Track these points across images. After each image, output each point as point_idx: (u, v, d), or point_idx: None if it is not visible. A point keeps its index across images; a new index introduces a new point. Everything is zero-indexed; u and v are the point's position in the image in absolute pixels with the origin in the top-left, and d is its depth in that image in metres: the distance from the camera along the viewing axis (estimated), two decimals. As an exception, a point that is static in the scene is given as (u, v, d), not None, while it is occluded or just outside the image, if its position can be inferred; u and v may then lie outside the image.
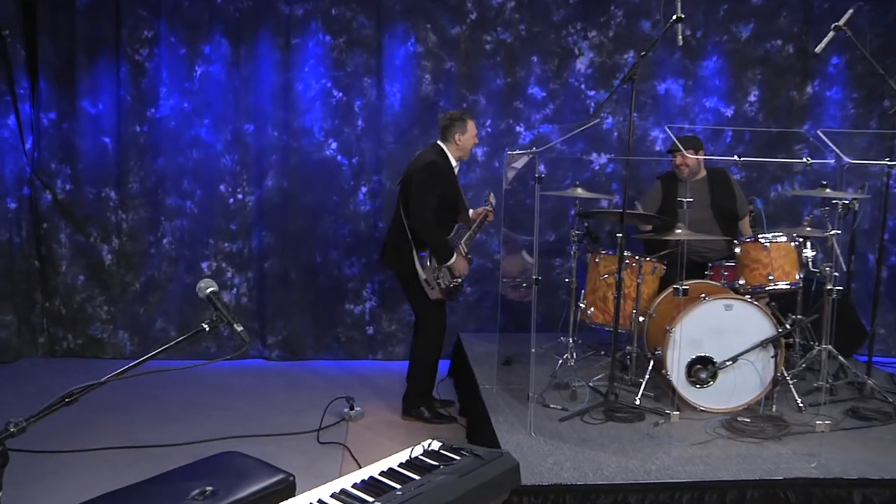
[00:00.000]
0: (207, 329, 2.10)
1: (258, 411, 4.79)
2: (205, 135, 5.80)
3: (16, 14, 5.53)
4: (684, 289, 3.68)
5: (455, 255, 4.43)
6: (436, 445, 2.27)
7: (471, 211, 4.70)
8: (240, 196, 5.89)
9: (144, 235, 5.86)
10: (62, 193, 5.80)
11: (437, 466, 2.11)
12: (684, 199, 3.72)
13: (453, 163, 4.48)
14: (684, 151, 4.16)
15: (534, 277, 3.53)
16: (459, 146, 4.44)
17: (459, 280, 4.52)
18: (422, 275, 4.36)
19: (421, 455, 2.21)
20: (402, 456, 2.20)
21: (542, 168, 5.87)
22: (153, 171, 5.80)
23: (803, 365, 4.39)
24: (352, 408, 4.65)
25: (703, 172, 4.98)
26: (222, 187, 5.86)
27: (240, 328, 2.11)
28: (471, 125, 4.46)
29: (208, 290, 2.19)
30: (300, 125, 5.80)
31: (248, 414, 4.72)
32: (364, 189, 5.91)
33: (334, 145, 5.85)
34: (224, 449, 3.55)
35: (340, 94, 5.80)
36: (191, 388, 5.19)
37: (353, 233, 5.95)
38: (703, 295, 3.94)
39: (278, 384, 5.40)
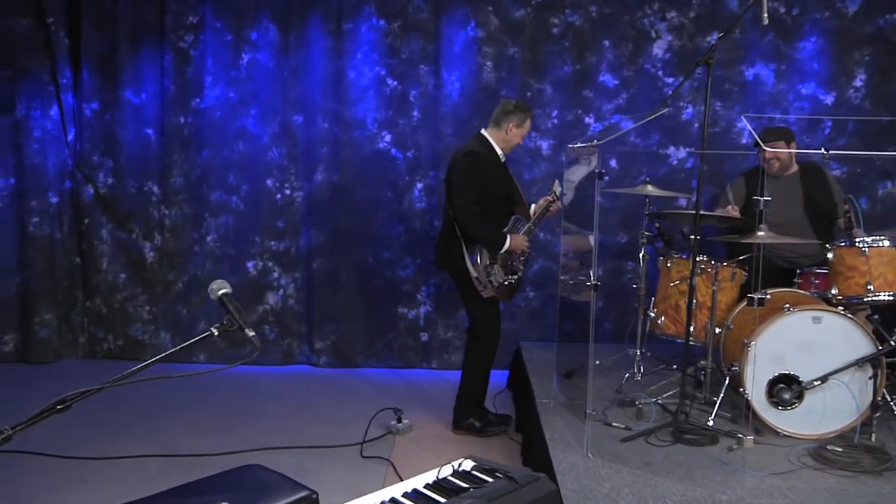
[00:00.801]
0: (217, 333, 2.12)
1: (301, 421, 4.82)
2: (251, 126, 5.87)
3: (60, 1, 5.73)
4: (760, 298, 3.50)
5: (509, 239, 4.38)
6: (467, 465, 2.21)
7: (532, 206, 4.62)
8: (287, 191, 5.94)
9: (188, 232, 5.98)
10: (104, 187, 5.98)
11: (466, 489, 2.06)
12: (760, 199, 3.53)
13: (499, 152, 4.45)
14: (763, 144, 3.96)
15: (593, 283, 3.40)
16: (507, 137, 4.42)
17: (515, 277, 4.47)
18: (472, 272, 4.32)
19: (450, 475, 2.16)
20: (430, 476, 2.15)
21: (612, 163, 5.75)
22: (197, 164, 5.91)
23: (911, 388, 4.15)
24: (399, 420, 4.63)
25: (795, 167, 4.79)
26: (269, 182, 5.92)
27: (251, 333, 2.13)
28: (528, 122, 4.46)
29: (220, 292, 2.20)
30: (352, 116, 5.82)
31: (291, 423, 4.76)
32: (420, 185, 5.89)
33: (388, 137, 5.85)
34: (261, 460, 3.60)
35: (395, 82, 5.80)
36: (233, 395, 5.27)
37: (407, 231, 5.94)
38: (786, 305, 3.78)
39: (325, 392, 5.44)
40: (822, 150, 3.14)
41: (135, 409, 4.91)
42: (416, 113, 5.82)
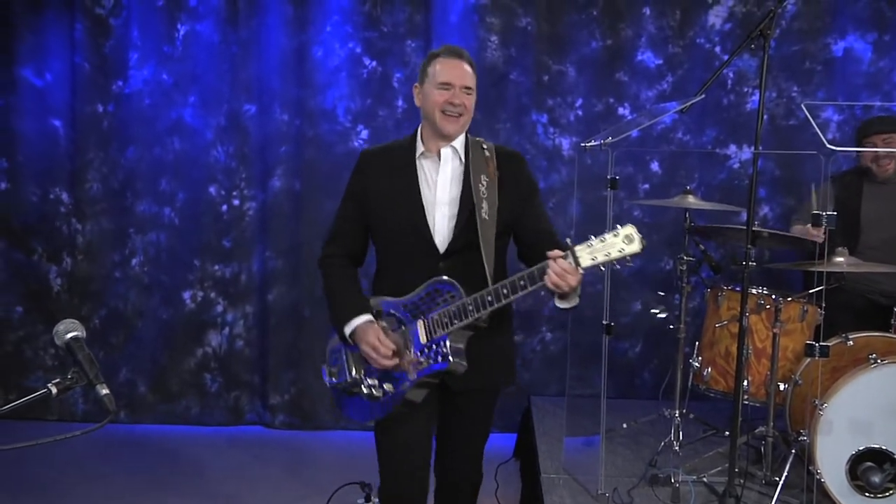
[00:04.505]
0: (55, 392, 2.01)
1: (242, 499, 4.78)
2: (190, 118, 5.82)
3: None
4: (823, 346, 3.31)
5: (353, 322, 3.11)
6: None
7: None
8: (236, 202, 5.87)
9: (107, 253, 5.91)
10: (-5, 194, 5.94)
11: None
12: (823, 213, 3.32)
13: (420, 149, 3.19)
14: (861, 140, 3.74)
15: (604, 322, 3.23)
16: (424, 111, 3.23)
17: (383, 389, 3.08)
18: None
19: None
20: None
21: (654, 166, 5.66)
22: (120, 165, 5.85)
23: None
24: (368, 499, 4.49)
25: (903, 171, 4.77)
26: (212, 189, 5.86)
27: (104, 391, 2.04)
28: (434, 69, 3.16)
29: (69, 336, 2.10)
30: (318, 106, 5.76)
31: (227, 503, 4.71)
32: (405, 194, 5.77)
33: (365, 133, 5.79)
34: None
35: (374, 62, 5.74)
36: (158, 464, 5.25)
37: (389, 254, 5.83)
38: (872, 355, 3.63)
39: (280, 461, 5.39)
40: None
41: (17, 482, 4.83)
42: (400, 102, 5.77)
